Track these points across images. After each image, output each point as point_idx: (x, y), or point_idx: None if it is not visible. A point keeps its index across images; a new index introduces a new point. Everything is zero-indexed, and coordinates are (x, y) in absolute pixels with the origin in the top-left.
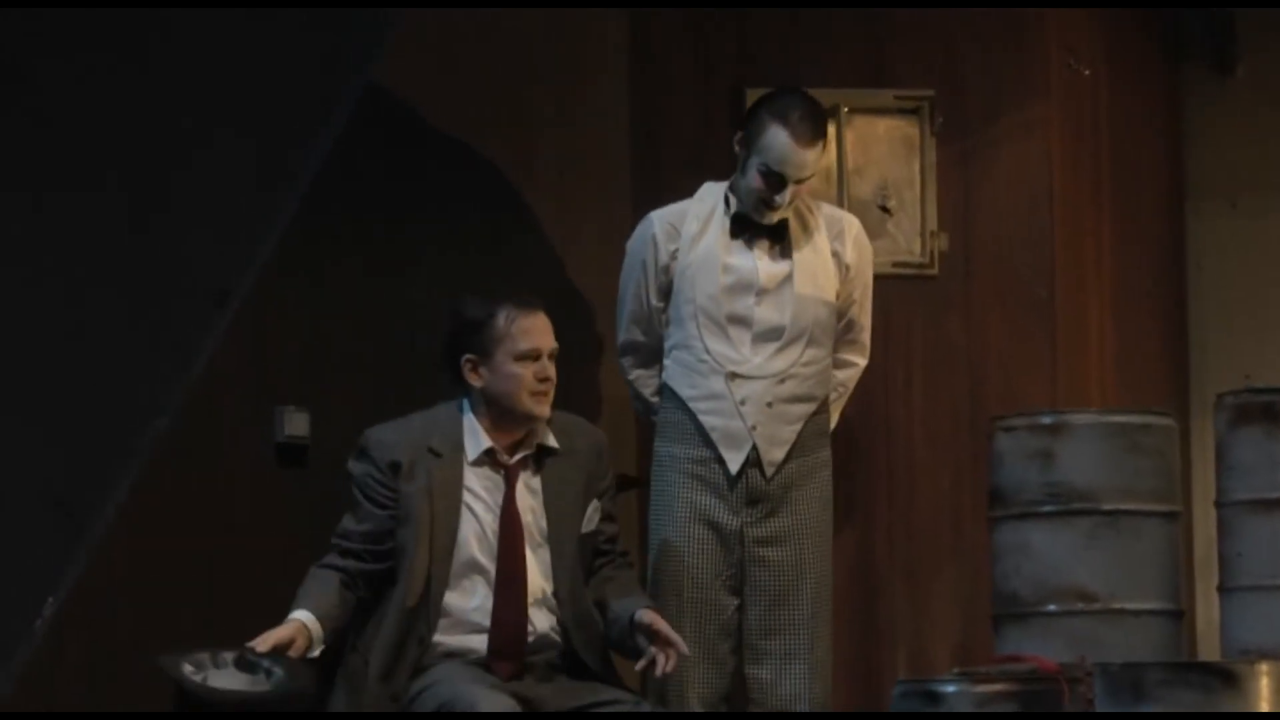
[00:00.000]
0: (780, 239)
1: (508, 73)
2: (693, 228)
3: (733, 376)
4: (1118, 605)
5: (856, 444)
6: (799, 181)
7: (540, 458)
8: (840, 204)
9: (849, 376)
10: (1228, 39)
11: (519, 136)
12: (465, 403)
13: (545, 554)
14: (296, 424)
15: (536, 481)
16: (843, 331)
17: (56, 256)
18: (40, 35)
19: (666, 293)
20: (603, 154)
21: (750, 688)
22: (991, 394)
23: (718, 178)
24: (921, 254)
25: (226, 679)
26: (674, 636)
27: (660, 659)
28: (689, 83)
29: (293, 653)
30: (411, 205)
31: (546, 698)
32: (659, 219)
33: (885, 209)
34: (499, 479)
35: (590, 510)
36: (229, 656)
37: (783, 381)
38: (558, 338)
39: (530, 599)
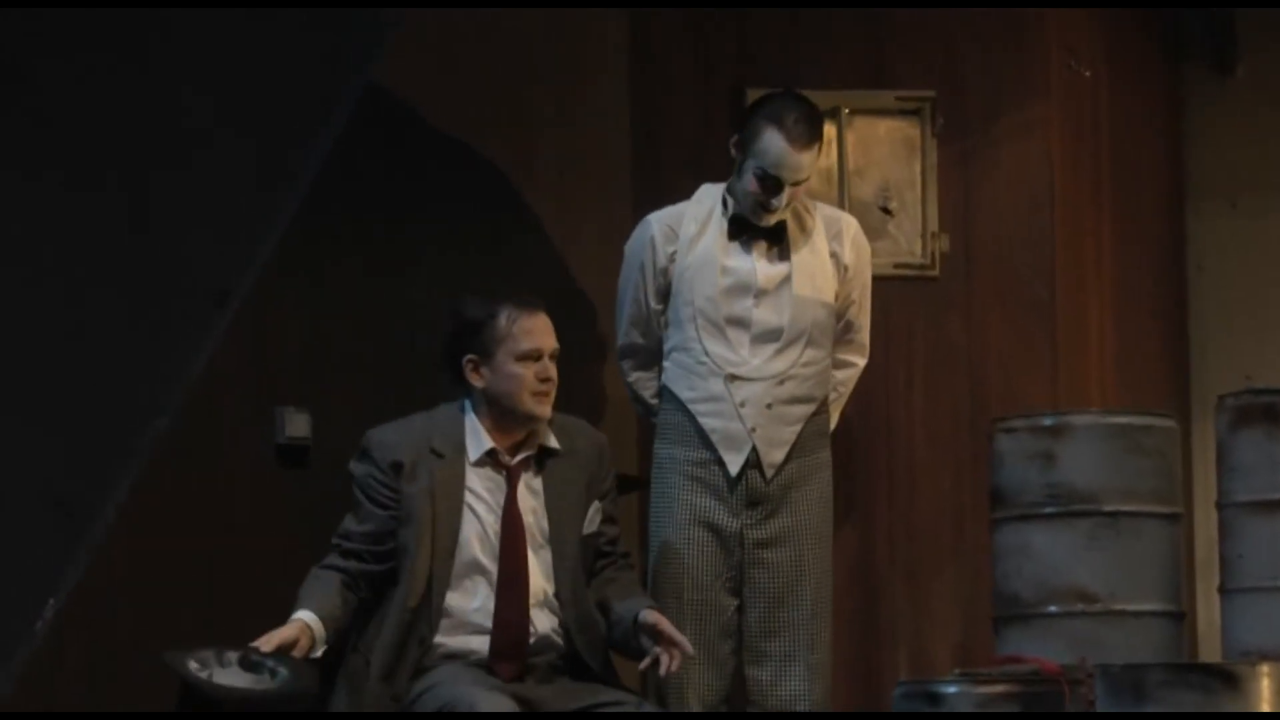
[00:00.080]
0: (778, 240)
1: (508, 73)
2: (691, 230)
3: (732, 378)
4: (1119, 606)
5: (857, 445)
6: (795, 184)
7: (541, 459)
8: (841, 205)
9: (848, 377)
10: (1228, 39)
11: (519, 136)
12: (466, 403)
13: (547, 555)
14: (297, 425)
15: (538, 482)
16: (841, 332)
17: (56, 256)
18: (40, 35)
19: (665, 295)
20: (603, 154)
21: (750, 689)
22: (992, 394)
23: (718, 178)
24: (922, 255)
25: (231, 677)
26: (678, 636)
27: (664, 659)
28: (689, 83)
29: (296, 653)
30: (411, 205)
31: (548, 699)
32: (657, 221)
33: (886, 210)
34: (500, 480)
35: (591, 512)
36: (233, 656)
37: (782, 383)
38: (558, 338)
39: (532, 600)
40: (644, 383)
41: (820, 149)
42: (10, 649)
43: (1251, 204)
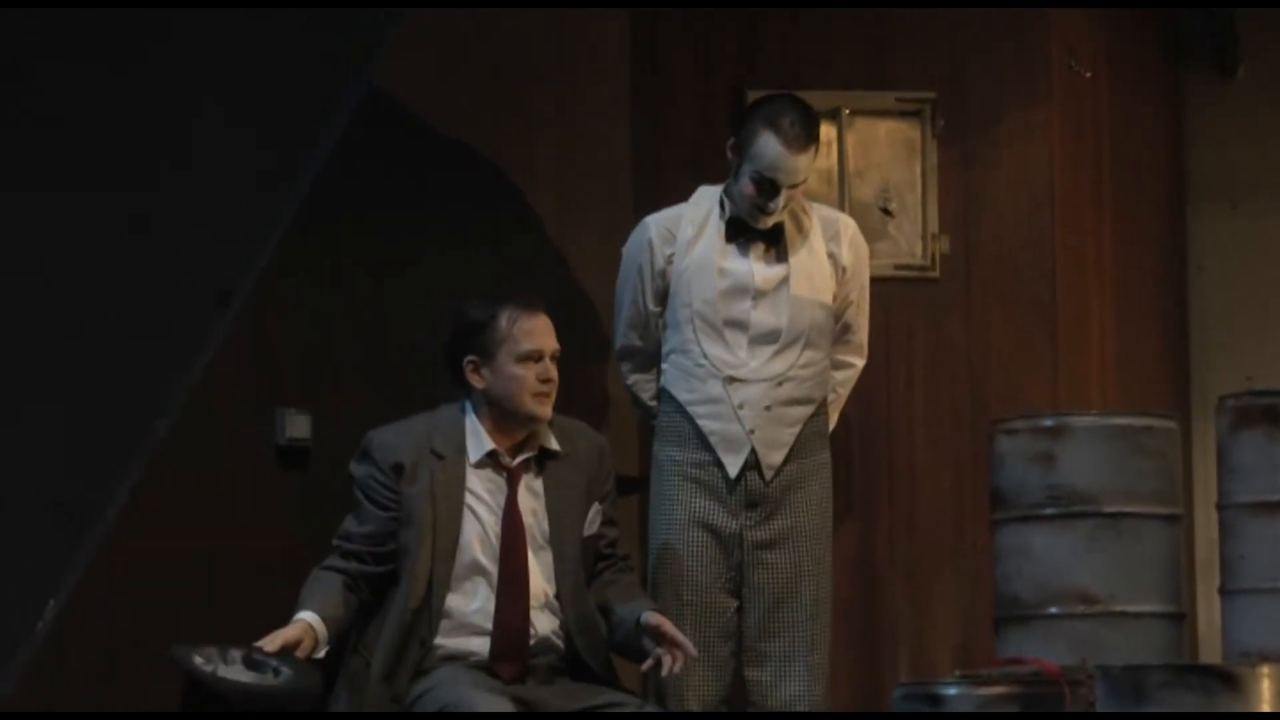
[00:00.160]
0: (776, 242)
1: (508, 73)
2: (688, 232)
3: (730, 380)
4: (1119, 608)
5: (857, 445)
6: (792, 187)
7: (542, 460)
8: (841, 206)
9: (847, 377)
10: (1228, 40)
11: (519, 136)
12: (467, 404)
13: (547, 556)
14: (298, 426)
15: (538, 484)
16: (840, 333)
17: (56, 256)
18: (40, 35)
19: (663, 297)
20: (603, 154)
21: (750, 690)
22: (992, 395)
23: (718, 178)
24: (923, 256)
25: (235, 675)
26: (681, 638)
27: (667, 660)
28: (689, 83)
29: (299, 654)
30: (412, 205)
31: (548, 700)
32: (654, 223)
33: (887, 211)
34: (501, 481)
35: (592, 513)
36: (237, 654)
37: (780, 384)
38: (558, 338)
39: (532, 601)
40: (642, 385)
41: (817, 151)
42: (11, 649)
43: (1252, 205)
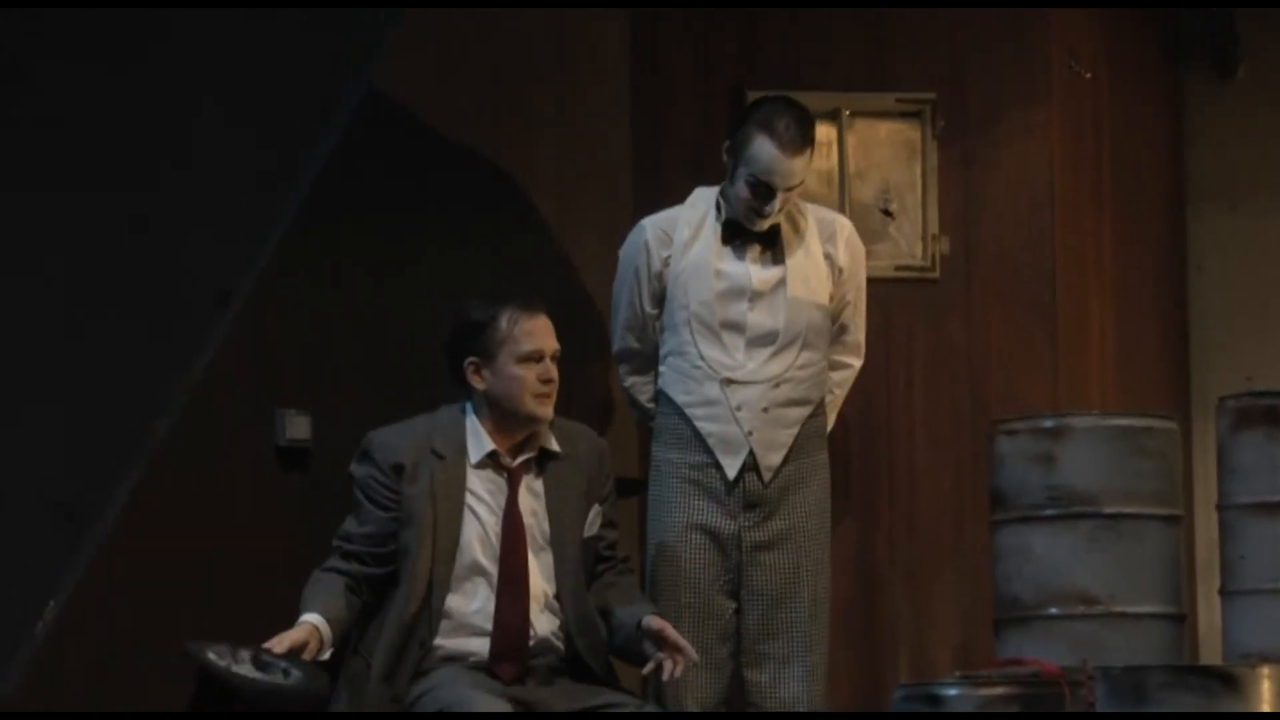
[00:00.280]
0: (772, 244)
1: (508, 73)
2: (685, 234)
3: (728, 382)
4: (1119, 608)
5: (857, 446)
6: (788, 190)
7: (542, 461)
8: (842, 208)
9: (844, 378)
10: (1228, 40)
11: (519, 136)
12: (468, 405)
13: (548, 557)
14: (298, 427)
15: (539, 485)
16: (837, 334)
17: (56, 256)
18: (40, 35)
19: (660, 299)
20: (603, 154)
21: (749, 691)
22: (992, 395)
23: (718, 178)
24: (923, 257)
25: (245, 673)
26: (683, 642)
27: (668, 664)
28: (689, 83)
29: (305, 656)
30: (412, 205)
31: (548, 701)
32: (651, 225)
33: (887, 212)
34: (501, 482)
35: (592, 515)
36: (246, 654)
37: (778, 386)
38: (558, 339)
39: (532, 602)
40: (640, 387)
41: (813, 154)
42: (11, 649)
43: (1252, 205)
